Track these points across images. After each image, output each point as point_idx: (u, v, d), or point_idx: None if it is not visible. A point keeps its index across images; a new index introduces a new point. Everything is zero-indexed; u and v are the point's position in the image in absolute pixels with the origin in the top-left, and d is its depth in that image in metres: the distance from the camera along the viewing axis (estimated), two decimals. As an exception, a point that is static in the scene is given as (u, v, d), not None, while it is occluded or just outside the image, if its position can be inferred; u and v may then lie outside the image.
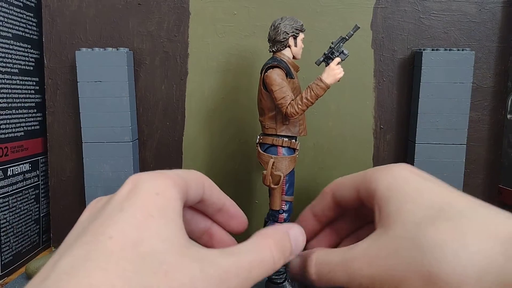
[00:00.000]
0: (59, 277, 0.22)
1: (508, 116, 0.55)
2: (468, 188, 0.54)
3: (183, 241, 0.30)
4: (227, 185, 0.57)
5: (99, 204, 0.33)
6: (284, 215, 0.44)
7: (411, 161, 0.53)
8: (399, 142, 0.56)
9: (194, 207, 0.40)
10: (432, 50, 0.51)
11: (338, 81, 0.40)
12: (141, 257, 0.25)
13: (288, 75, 0.42)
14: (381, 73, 0.55)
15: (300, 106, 0.40)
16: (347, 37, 0.42)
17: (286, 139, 0.43)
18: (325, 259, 0.41)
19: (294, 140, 0.43)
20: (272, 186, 0.42)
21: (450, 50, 0.51)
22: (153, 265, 0.25)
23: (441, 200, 0.33)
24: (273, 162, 0.42)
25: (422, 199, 0.34)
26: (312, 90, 0.40)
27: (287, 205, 0.43)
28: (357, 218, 0.49)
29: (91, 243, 0.25)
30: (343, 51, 0.42)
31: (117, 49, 0.51)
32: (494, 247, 0.28)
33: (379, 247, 0.35)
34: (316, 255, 0.43)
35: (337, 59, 0.41)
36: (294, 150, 0.43)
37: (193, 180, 0.37)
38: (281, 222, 0.43)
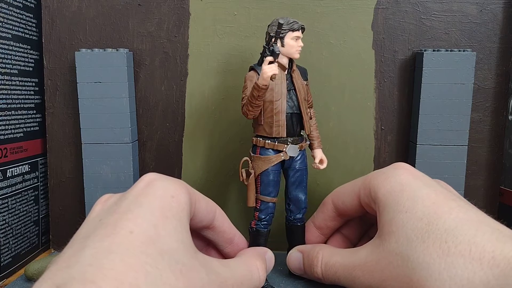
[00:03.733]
0: (84, 268, 0.22)
1: (510, 117, 0.55)
2: (469, 189, 0.54)
3: (192, 244, 0.30)
4: (228, 186, 0.57)
5: (112, 200, 0.33)
6: (259, 214, 0.45)
7: (412, 163, 0.53)
8: (400, 143, 0.56)
9: (204, 236, 0.40)
10: (433, 51, 0.51)
11: (272, 79, 0.40)
12: (160, 254, 0.25)
13: None
14: (382, 74, 0.55)
15: (246, 107, 0.43)
16: (275, 35, 0.42)
17: (260, 139, 0.45)
18: (330, 261, 0.41)
19: (270, 141, 0.44)
20: (245, 182, 0.45)
21: (451, 51, 0.51)
22: (170, 262, 0.26)
23: (433, 212, 0.33)
24: (246, 160, 0.45)
25: (415, 210, 0.34)
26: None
27: (262, 205, 0.44)
28: (363, 222, 0.48)
29: (112, 236, 0.25)
30: (273, 49, 0.42)
31: (117, 50, 0.51)
32: (476, 271, 0.28)
33: (376, 258, 0.35)
34: (321, 255, 0.43)
35: (268, 58, 0.41)
36: (275, 151, 0.44)
37: (204, 200, 0.37)
38: (256, 220, 0.45)
